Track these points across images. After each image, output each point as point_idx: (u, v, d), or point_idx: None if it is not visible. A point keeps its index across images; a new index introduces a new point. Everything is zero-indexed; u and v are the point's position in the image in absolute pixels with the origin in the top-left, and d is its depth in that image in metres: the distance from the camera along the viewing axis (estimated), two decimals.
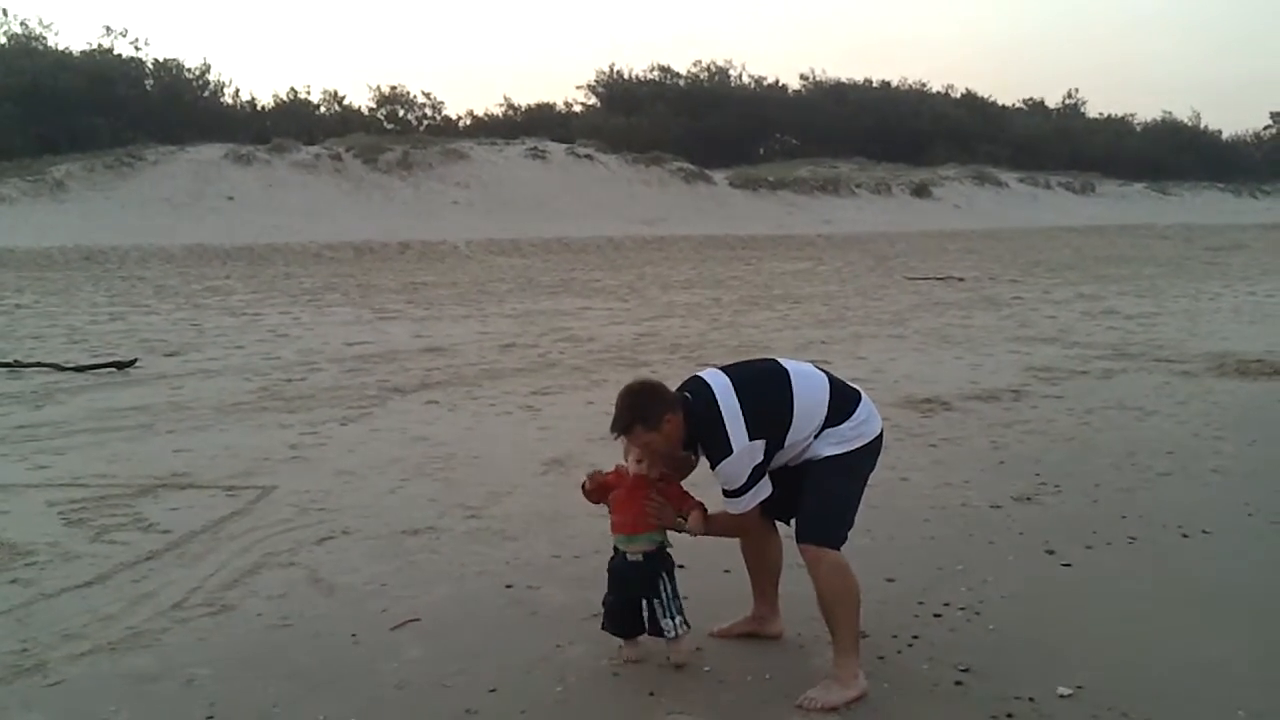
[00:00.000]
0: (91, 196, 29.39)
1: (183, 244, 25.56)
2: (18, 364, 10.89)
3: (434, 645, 4.51)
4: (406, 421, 8.71)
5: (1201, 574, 5.42)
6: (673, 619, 4.15)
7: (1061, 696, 4.02)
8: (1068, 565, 5.49)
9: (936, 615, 4.82)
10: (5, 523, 6.05)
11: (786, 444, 4.12)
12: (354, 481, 7.00)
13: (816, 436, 4.14)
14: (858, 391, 4.32)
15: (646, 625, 4.19)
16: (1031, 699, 3.99)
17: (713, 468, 4.13)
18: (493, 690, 4.08)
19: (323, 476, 7.08)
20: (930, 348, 12.77)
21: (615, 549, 4.30)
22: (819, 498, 4.15)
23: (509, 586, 5.18)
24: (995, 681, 4.15)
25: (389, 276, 22.01)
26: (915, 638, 4.56)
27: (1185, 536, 5.95)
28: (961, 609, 4.89)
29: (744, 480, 4.08)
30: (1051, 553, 5.66)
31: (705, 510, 4.30)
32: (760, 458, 4.07)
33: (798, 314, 16.40)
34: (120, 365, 10.89)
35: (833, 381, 4.28)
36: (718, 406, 4.06)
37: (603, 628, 4.31)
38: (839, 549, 4.14)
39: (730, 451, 4.02)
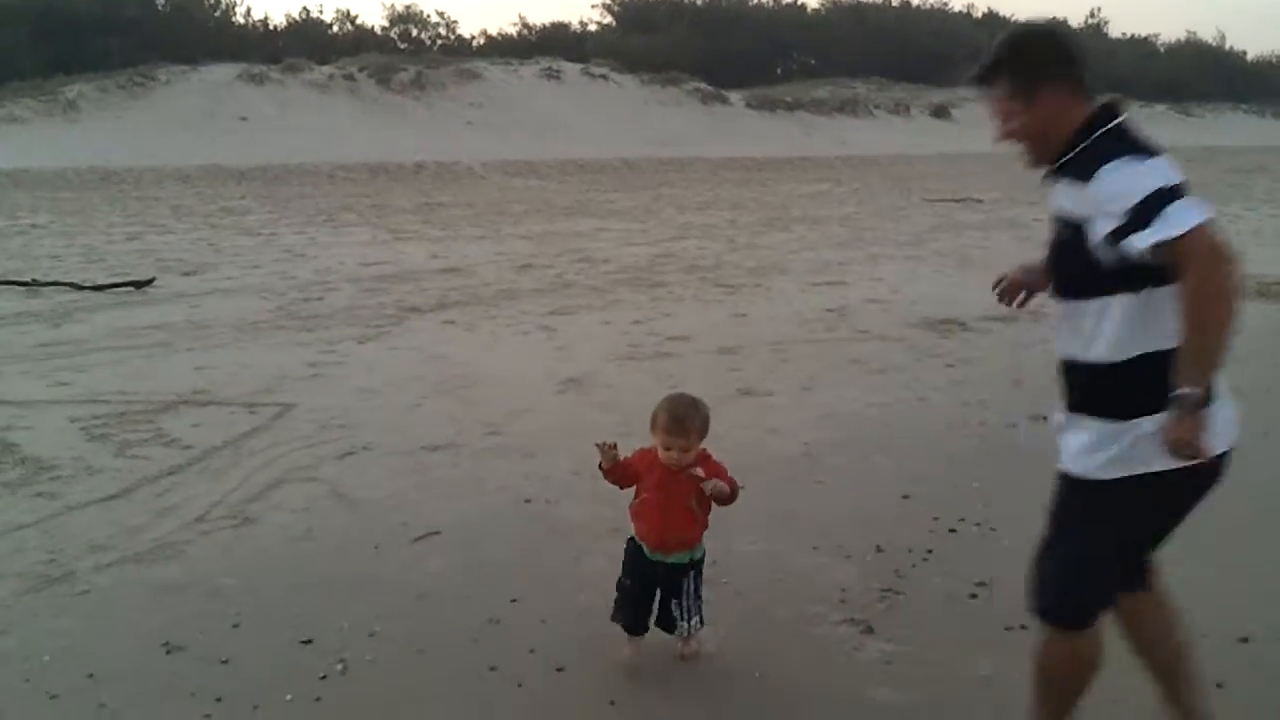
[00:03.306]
0: (104, 117, 29.27)
1: (197, 164, 25.47)
2: (35, 283, 10.93)
3: (455, 557, 4.57)
4: (424, 341, 8.74)
5: (1216, 492, 5.43)
6: (688, 620, 3.64)
7: None
8: None
9: (952, 530, 4.86)
10: (29, 438, 6.11)
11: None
12: (373, 399, 7.04)
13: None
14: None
15: (656, 618, 3.69)
16: None
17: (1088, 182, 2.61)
18: (515, 600, 4.14)
19: (342, 394, 7.12)
20: (949, 269, 12.73)
21: (632, 537, 3.73)
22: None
23: (528, 501, 5.24)
24: (1010, 595, 4.16)
25: (404, 197, 21.93)
26: (930, 552, 4.60)
27: None
28: (977, 525, 4.93)
29: (1146, 194, 2.49)
30: None
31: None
32: (1174, 183, 2.53)
33: (815, 235, 16.31)
34: (138, 284, 10.92)
35: None
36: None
37: (613, 619, 3.72)
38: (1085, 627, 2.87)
39: (1149, 154, 2.61)
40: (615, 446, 3.61)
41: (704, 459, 3.57)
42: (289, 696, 3.47)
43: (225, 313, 9.77)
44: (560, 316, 9.74)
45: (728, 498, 3.53)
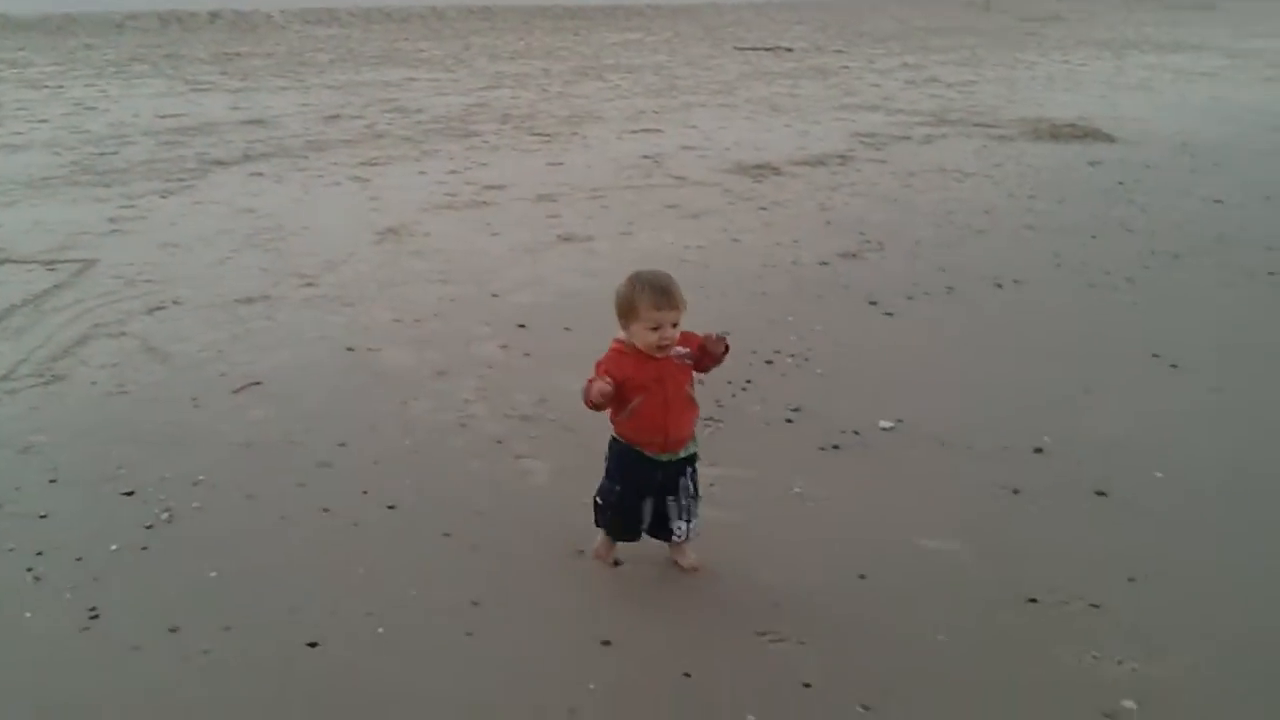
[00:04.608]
0: None
1: None
2: None
3: (278, 406, 4.53)
4: (230, 194, 8.43)
5: (1012, 318, 5.79)
6: (688, 521, 3.31)
7: (884, 429, 4.31)
8: (890, 315, 5.79)
9: (768, 362, 5.05)
10: None
11: None
12: (180, 253, 6.80)
13: None
14: None
15: (647, 524, 3.33)
16: (856, 432, 4.27)
17: None
18: (342, 444, 4.14)
19: (146, 249, 6.85)
20: (760, 116, 12.85)
21: (621, 441, 3.27)
22: None
23: (350, 350, 5.19)
24: (823, 418, 4.41)
25: (199, 47, 20.80)
26: (749, 382, 4.78)
27: (999, 286, 6.30)
28: (791, 356, 5.13)
29: None
30: (875, 303, 5.94)
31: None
32: None
33: (629, 84, 16.21)
34: None
35: None
36: None
37: (603, 526, 3.41)
38: None
39: None
40: (610, 380, 3.10)
41: (684, 336, 3.20)
42: (114, 546, 3.42)
43: (13, 169, 9.19)
44: (373, 167, 9.50)
45: (722, 355, 3.26)
